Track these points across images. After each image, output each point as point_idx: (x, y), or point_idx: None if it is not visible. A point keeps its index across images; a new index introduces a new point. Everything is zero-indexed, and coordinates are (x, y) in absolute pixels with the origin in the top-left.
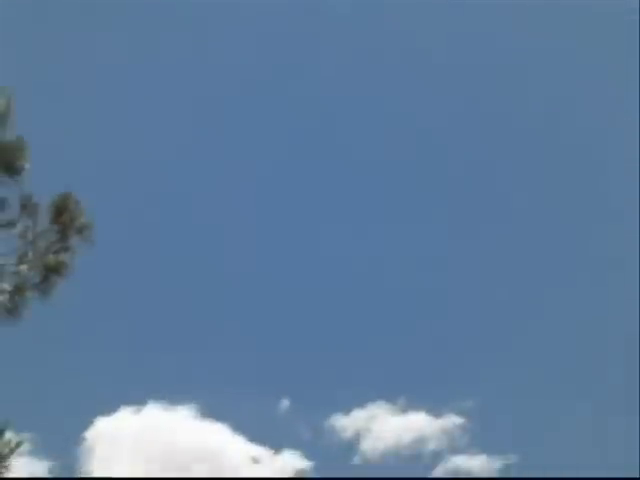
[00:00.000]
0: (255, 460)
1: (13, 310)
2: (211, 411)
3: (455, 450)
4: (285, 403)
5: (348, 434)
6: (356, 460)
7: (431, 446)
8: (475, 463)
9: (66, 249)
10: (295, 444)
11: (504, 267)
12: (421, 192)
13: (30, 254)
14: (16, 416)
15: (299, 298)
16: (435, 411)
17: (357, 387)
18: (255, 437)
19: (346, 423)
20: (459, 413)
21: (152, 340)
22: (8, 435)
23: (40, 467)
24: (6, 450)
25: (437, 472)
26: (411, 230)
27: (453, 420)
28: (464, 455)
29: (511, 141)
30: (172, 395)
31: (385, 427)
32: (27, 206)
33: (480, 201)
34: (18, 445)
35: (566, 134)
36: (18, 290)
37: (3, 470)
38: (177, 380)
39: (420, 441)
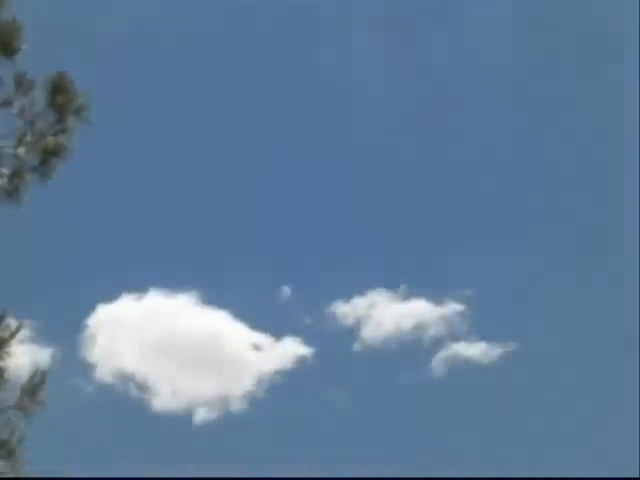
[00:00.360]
0: (256, 347)
1: (12, 193)
2: (212, 298)
3: (455, 337)
4: (286, 290)
5: (349, 321)
6: (357, 347)
7: (431, 333)
8: (475, 350)
9: (64, 131)
10: (296, 331)
11: (506, 152)
12: None
13: (29, 136)
14: (17, 303)
15: (298, 184)
16: (435, 298)
17: (358, 274)
18: (256, 324)
19: (347, 310)
20: (459, 301)
21: (153, 226)
22: (8, 321)
23: (43, 354)
24: (6, 335)
25: (437, 359)
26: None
27: (453, 307)
28: (464, 342)
29: None
30: (173, 282)
31: (385, 314)
32: (22, 83)
33: None
34: (18, 330)
35: None
36: (17, 173)
37: (4, 355)
38: (178, 267)
39: (420, 328)
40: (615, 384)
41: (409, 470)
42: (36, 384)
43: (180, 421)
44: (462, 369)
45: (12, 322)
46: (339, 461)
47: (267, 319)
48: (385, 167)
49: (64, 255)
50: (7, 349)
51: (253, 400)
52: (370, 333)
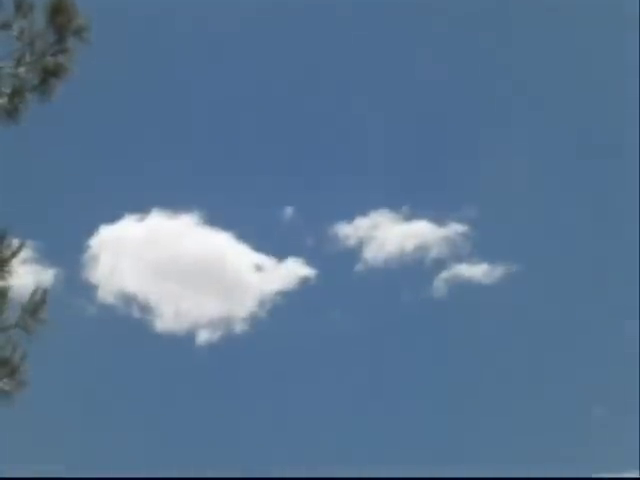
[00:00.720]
0: (258, 268)
1: (12, 112)
2: (214, 219)
3: (457, 258)
4: (288, 211)
5: (351, 242)
6: (359, 268)
7: (433, 254)
8: (477, 271)
9: (63, 51)
10: (298, 252)
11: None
12: None
13: (28, 56)
14: (19, 224)
15: (301, 104)
16: (438, 219)
17: (360, 195)
18: (258, 245)
19: (349, 231)
20: (462, 221)
21: (155, 146)
22: (9, 240)
23: (46, 275)
24: (7, 254)
25: (439, 280)
26: None
27: (455, 228)
28: (466, 263)
29: None
30: (175, 203)
31: (388, 235)
32: (22, 6)
33: None
34: (19, 249)
35: None
36: (17, 93)
37: (6, 275)
38: (181, 188)
39: (422, 249)
40: (618, 304)
41: (409, 390)
42: (37, 302)
43: (182, 342)
44: (464, 290)
45: (14, 242)
46: (340, 382)
47: (269, 240)
48: (387, 85)
49: (65, 176)
50: (8, 268)
51: (255, 321)
52: (372, 254)
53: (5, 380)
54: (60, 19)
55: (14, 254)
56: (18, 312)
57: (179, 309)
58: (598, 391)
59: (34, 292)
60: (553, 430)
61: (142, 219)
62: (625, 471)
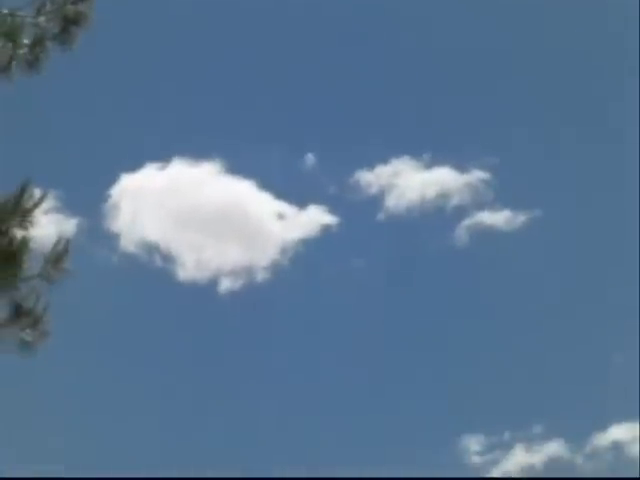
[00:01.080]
0: (280, 216)
1: (33, 62)
2: (236, 167)
3: (479, 206)
4: (310, 159)
5: (373, 190)
6: (380, 216)
7: (455, 201)
8: (499, 218)
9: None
10: (320, 200)
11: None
12: None
13: (48, 5)
14: (41, 173)
15: (322, 53)
16: (460, 167)
17: (382, 142)
18: (280, 193)
19: (370, 179)
20: (484, 168)
21: (177, 95)
22: (31, 190)
23: (68, 225)
24: (30, 204)
25: (461, 227)
26: None
27: (478, 175)
28: (488, 210)
29: None
30: (197, 151)
31: (409, 183)
32: None
33: None
34: (42, 199)
35: None
36: (37, 42)
37: (28, 224)
38: (202, 136)
39: (444, 196)
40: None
41: (429, 337)
42: (60, 252)
43: (204, 291)
44: (486, 237)
45: (36, 192)
46: (362, 330)
47: (291, 188)
48: (409, 34)
49: (86, 125)
50: (31, 218)
51: (277, 269)
52: (394, 202)
53: (28, 331)
54: None
55: (36, 204)
56: (41, 262)
57: (201, 258)
58: (618, 338)
59: (57, 242)
60: (571, 378)
61: (163, 168)
62: None
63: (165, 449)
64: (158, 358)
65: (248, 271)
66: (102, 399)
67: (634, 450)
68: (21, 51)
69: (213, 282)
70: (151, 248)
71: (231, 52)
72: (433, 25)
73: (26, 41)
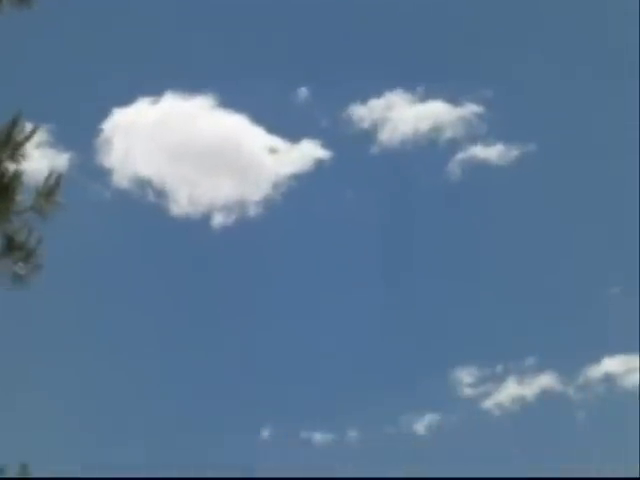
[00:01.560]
0: (273, 150)
1: None
2: (229, 101)
3: (473, 140)
4: (303, 92)
5: (366, 124)
6: (374, 150)
7: (448, 135)
8: (492, 152)
9: None
10: (313, 134)
11: None
12: None
13: None
14: (33, 107)
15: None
16: (454, 100)
17: (375, 75)
18: (273, 127)
19: (363, 113)
20: (478, 102)
21: (169, 30)
22: (23, 123)
23: (60, 159)
24: (21, 137)
25: (455, 161)
26: None
27: (472, 109)
28: (481, 144)
29: None
30: (189, 85)
31: (403, 116)
32: None
33: None
34: (33, 132)
35: None
36: None
37: (20, 158)
38: (194, 70)
39: (438, 130)
40: (635, 184)
41: (423, 269)
42: (52, 186)
43: (197, 226)
44: (479, 171)
45: (27, 125)
46: (354, 264)
47: (284, 122)
48: None
49: (78, 60)
50: (22, 152)
51: (269, 204)
52: (387, 136)
53: (20, 264)
54: None
55: (28, 138)
56: (33, 196)
57: (193, 193)
58: (614, 271)
59: (49, 176)
60: (565, 310)
61: (156, 102)
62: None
63: (157, 382)
64: (150, 292)
65: (241, 206)
66: (93, 334)
67: (626, 382)
68: None
69: (206, 217)
70: (143, 183)
71: None
72: None
73: None
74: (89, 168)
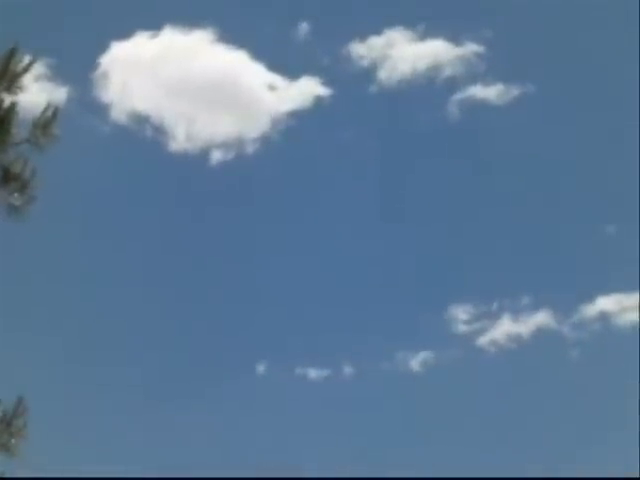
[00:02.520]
0: (272, 87)
1: None
2: (228, 36)
3: (472, 80)
4: (303, 27)
5: (365, 62)
6: (373, 88)
7: (448, 74)
8: (491, 92)
9: None
10: (313, 71)
11: None
12: None
13: None
14: (31, 40)
15: None
16: (454, 39)
17: (376, 11)
18: (272, 64)
19: (364, 50)
20: (478, 41)
21: None
22: (20, 55)
23: (59, 93)
24: (19, 68)
25: (453, 100)
26: None
27: (472, 48)
28: (481, 84)
29: None
30: (189, 18)
31: (403, 54)
32: None
33: None
34: (30, 64)
35: None
36: None
37: (17, 89)
38: (194, 3)
39: (437, 69)
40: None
41: (420, 212)
42: (48, 118)
43: (195, 162)
44: (478, 111)
45: (25, 57)
46: (352, 203)
47: (283, 58)
48: None
49: None
50: (19, 84)
51: (268, 141)
52: (386, 74)
53: (16, 195)
54: None
55: (25, 69)
56: (29, 128)
57: (192, 129)
58: (610, 209)
59: (45, 108)
60: (561, 249)
61: (154, 36)
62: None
63: (153, 320)
64: (147, 228)
65: (239, 143)
66: (88, 268)
67: (621, 321)
68: None
69: (204, 153)
70: (141, 119)
71: None
72: None
73: None
74: (87, 102)
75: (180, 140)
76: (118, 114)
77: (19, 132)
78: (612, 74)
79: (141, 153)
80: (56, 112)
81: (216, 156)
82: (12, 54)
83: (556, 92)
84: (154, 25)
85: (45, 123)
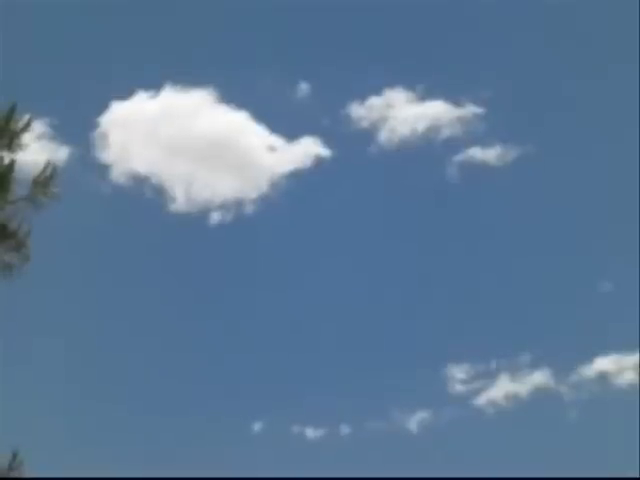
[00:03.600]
0: (272, 147)
1: None
2: (229, 95)
3: (472, 141)
4: (304, 87)
5: (366, 122)
6: (373, 149)
7: (448, 136)
8: (490, 154)
9: None
10: (313, 132)
11: None
12: None
13: None
14: (36, 99)
15: None
16: (454, 100)
17: (375, 73)
18: (272, 124)
19: (364, 111)
20: (477, 103)
21: (169, 21)
22: (20, 114)
23: (61, 153)
24: (18, 127)
25: (454, 162)
26: None
27: (471, 109)
28: (480, 145)
29: None
30: (189, 79)
31: (402, 115)
32: None
33: None
34: (29, 122)
35: None
36: None
37: (16, 147)
38: (194, 63)
39: (437, 131)
40: (632, 187)
41: (421, 268)
42: (47, 176)
43: (195, 223)
44: (477, 172)
45: (25, 116)
46: (352, 262)
47: (283, 119)
48: None
49: (79, 51)
50: (19, 142)
51: (268, 202)
52: (386, 135)
53: (11, 253)
54: None
55: (24, 128)
56: (29, 186)
57: (192, 190)
58: (607, 270)
59: (44, 167)
60: (560, 308)
61: (155, 96)
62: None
63: (152, 376)
64: (146, 288)
65: (239, 203)
66: (87, 328)
67: (620, 381)
68: None
69: (203, 214)
70: (141, 179)
71: None
72: None
73: None
74: (88, 162)
75: (180, 201)
76: (118, 174)
77: (19, 190)
78: (611, 136)
79: (141, 214)
80: (55, 170)
81: (216, 217)
82: (11, 112)
83: (555, 153)
84: (154, 84)
85: (44, 181)
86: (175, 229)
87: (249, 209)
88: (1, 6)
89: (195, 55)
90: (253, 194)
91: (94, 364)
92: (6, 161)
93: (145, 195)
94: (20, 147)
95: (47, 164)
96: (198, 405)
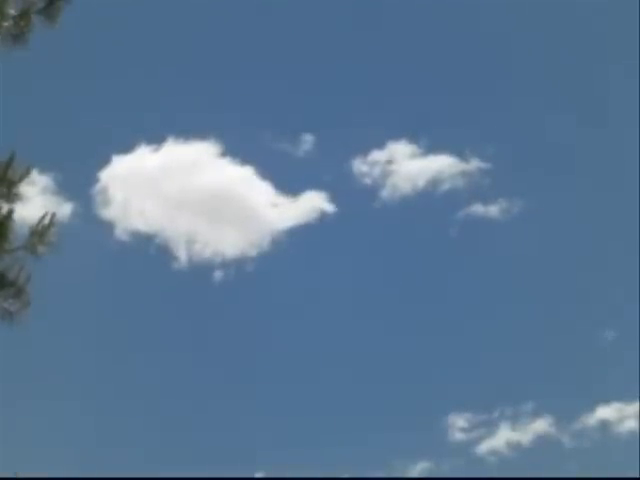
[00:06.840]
0: (275, 203)
1: (19, 36)
2: (231, 149)
3: (475, 196)
4: (307, 141)
5: (369, 178)
6: (376, 205)
7: (453, 190)
8: (494, 209)
9: None
10: (316, 187)
11: None
12: None
13: None
14: (39, 155)
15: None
16: (458, 154)
17: (377, 127)
18: (275, 179)
19: (367, 165)
20: (481, 156)
21: (170, 74)
22: (18, 164)
23: (64, 208)
24: (16, 177)
25: (457, 217)
26: None
27: (475, 165)
28: (484, 200)
29: None
30: (191, 132)
31: (405, 170)
32: None
33: None
34: (27, 172)
35: None
36: (23, 15)
37: (14, 197)
38: (196, 116)
39: (441, 185)
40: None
41: (425, 326)
42: (45, 225)
43: (197, 281)
44: (480, 227)
45: (22, 167)
46: (358, 318)
47: (286, 174)
48: (408, 19)
49: (74, 105)
50: (17, 191)
51: (271, 258)
52: (389, 190)
53: (10, 301)
54: None
55: (22, 177)
56: (28, 237)
57: (195, 247)
58: (609, 319)
59: (42, 216)
60: (561, 357)
61: (157, 150)
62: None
63: (156, 426)
64: (149, 345)
65: (242, 260)
66: (90, 379)
67: (621, 429)
68: (6, 23)
69: (206, 271)
70: (143, 236)
71: (227, 32)
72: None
73: (12, 11)
74: (90, 218)
75: (182, 258)
76: (120, 231)
77: (18, 241)
78: (613, 190)
79: (143, 271)
80: (53, 220)
81: (218, 274)
82: (10, 161)
83: (557, 210)
84: (156, 138)
85: (42, 230)
86: (178, 286)
87: (252, 265)
88: (4, 61)
89: (197, 107)
90: (256, 250)
91: (96, 419)
92: (4, 210)
93: (147, 251)
94: (18, 197)
95: (45, 214)
96: (199, 457)
